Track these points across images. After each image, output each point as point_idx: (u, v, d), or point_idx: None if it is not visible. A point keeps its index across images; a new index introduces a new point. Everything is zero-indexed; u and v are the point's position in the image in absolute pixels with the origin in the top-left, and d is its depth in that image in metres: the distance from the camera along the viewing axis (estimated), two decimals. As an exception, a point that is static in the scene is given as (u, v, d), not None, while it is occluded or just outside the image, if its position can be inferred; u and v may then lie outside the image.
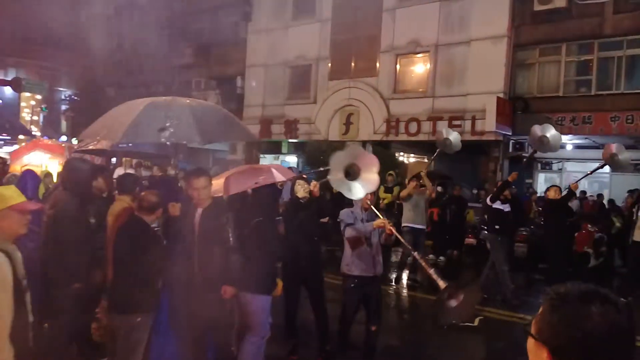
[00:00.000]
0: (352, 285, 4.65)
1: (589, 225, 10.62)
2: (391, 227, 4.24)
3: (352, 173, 4.11)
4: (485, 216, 8.41)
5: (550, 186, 8.59)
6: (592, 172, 7.81)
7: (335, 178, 4.11)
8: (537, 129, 7.12)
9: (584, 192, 14.20)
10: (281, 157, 20.81)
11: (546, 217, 8.69)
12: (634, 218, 8.08)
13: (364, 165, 4.15)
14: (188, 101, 4.60)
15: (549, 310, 1.15)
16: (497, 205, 8.04)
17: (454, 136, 8.41)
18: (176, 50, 21.26)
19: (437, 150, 8.61)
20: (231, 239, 3.96)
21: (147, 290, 3.77)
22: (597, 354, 1.08)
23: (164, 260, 3.92)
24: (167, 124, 3.93)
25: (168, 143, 4.38)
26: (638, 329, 1.18)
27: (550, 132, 7.03)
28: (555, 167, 17.43)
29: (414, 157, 18.22)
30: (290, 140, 19.05)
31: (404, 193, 9.04)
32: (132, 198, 4.41)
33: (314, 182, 5.00)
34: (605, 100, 13.21)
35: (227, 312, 4.31)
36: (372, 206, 4.64)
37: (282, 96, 19.15)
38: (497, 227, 8.01)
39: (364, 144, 15.90)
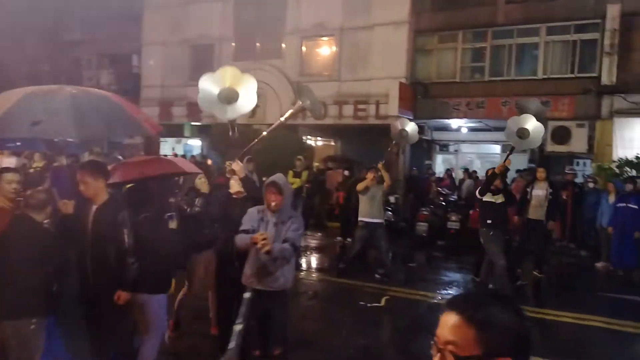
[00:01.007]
0: (251, 297, 4.05)
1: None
2: (268, 247, 3.61)
3: (228, 96, 3.74)
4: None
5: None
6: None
7: (207, 99, 3.73)
8: (511, 123, 6.29)
9: (475, 172, 15.09)
10: (184, 140, 20.01)
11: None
12: (528, 197, 8.65)
13: (241, 87, 3.79)
14: (74, 91, 4.17)
15: (475, 323, 1.16)
16: (488, 197, 7.37)
17: (410, 127, 7.99)
18: (62, 24, 19.45)
19: (393, 142, 8.35)
20: (127, 238, 3.61)
21: (41, 292, 3.49)
22: (524, 347, 1.18)
23: (58, 260, 3.65)
24: (43, 118, 3.52)
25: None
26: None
27: (532, 124, 6.15)
28: (452, 149, 18.44)
29: (321, 140, 18.34)
30: (193, 124, 18.33)
31: (360, 186, 8.09)
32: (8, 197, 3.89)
33: (235, 163, 4.23)
34: (497, 86, 14.08)
35: (124, 314, 4.00)
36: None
37: (183, 77, 18.28)
38: (488, 221, 7.34)
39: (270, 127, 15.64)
